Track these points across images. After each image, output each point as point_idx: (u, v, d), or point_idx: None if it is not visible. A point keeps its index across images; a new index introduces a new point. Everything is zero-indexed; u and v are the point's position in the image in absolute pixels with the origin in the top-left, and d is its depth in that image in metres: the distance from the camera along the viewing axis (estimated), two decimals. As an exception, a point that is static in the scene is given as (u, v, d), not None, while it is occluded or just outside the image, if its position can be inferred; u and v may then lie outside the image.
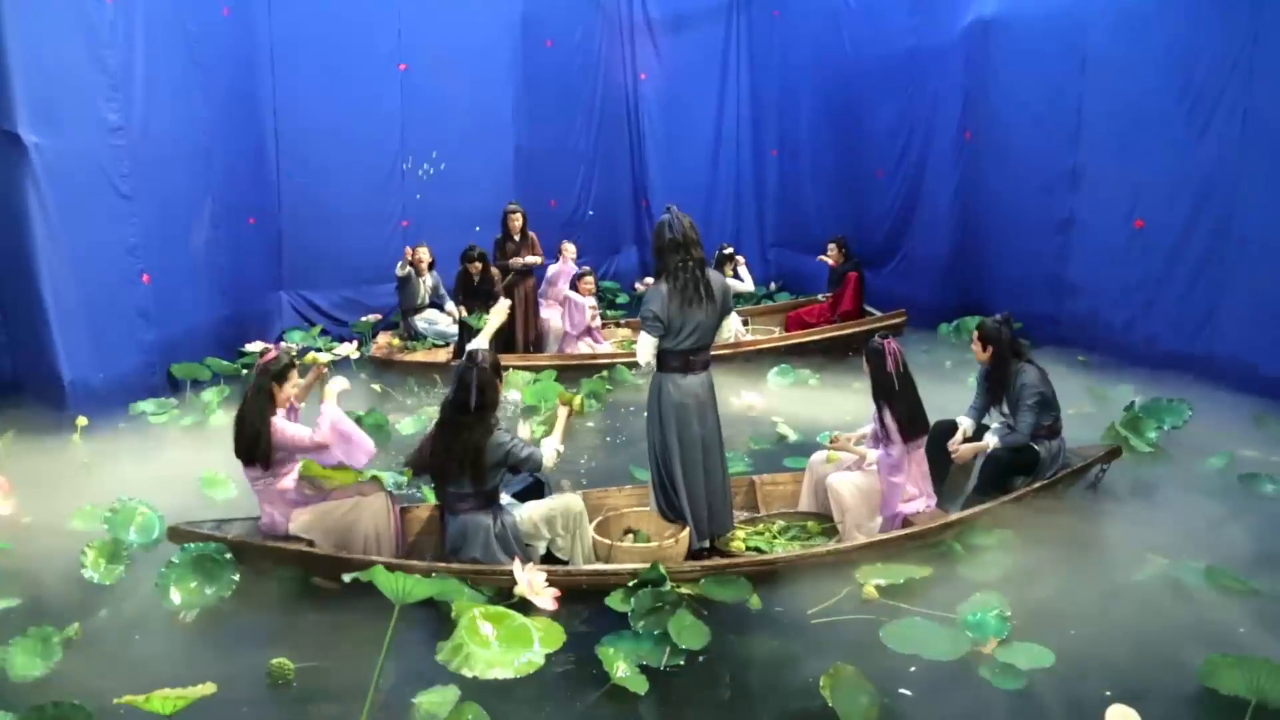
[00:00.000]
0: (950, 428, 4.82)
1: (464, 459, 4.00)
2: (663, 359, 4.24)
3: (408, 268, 8.92)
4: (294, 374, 4.26)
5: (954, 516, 4.38)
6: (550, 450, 4.17)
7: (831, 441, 4.77)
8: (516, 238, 8.60)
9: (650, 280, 5.02)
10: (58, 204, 6.00)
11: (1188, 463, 5.32)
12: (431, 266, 9.13)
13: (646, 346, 4.17)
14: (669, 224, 4.21)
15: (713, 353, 4.40)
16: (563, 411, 4.49)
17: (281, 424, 4.09)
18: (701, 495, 4.32)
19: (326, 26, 9.70)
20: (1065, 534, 4.42)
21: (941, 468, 4.77)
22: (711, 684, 3.37)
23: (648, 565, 3.94)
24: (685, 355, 4.22)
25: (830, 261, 9.38)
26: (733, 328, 4.46)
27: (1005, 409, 4.76)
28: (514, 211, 8.65)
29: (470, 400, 4.01)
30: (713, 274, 4.26)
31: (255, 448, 4.05)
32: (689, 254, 4.15)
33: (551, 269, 9.20)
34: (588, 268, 9.39)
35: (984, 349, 4.75)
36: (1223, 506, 4.70)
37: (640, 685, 3.24)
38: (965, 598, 3.74)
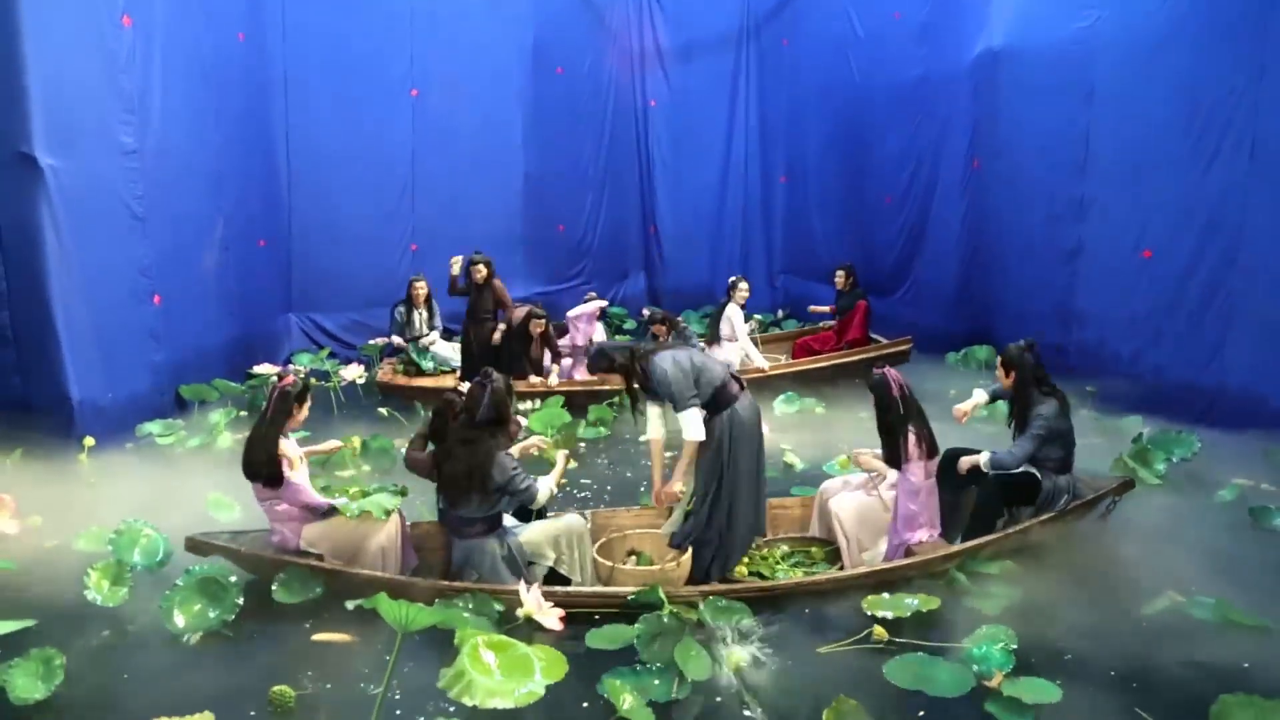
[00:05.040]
0: (955, 458, 4.79)
1: (472, 475, 4.07)
2: (723, 396, 4.32)
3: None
4: (308, 397, 4.42)
5: (958, 548, 4.35)
6: (546, 488, 4.28)
7: (854, 458, 4.76)
8: (479, 284, 8.26)
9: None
10: (71, 225, 6.05)
11: (1197, 495, 5.28)
12: (429, 299, 8.96)
13: (696, 421, 4.23)
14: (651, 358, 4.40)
15: None
16: (562, 456, 4.65)
17: (299, 479, 4.22)
18: (746, 517, 4.38)
19: (340, 52, 9.83)
20: (1072, 566, 4.39)
21: (947, 500, 4.72)
22: (715, 716, 3.33)
23: (647, 587, 3.94)
24: (733, 378, 4.38)
25: (838, 285, 9.42)
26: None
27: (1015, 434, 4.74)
28: (477, 263, 8.25)
29: (480, 413, 4.18)
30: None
31: (266, 466, 4.14)
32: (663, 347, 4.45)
33: (573, 311, 8.71)
34: (593, 292, 9.41)
35: (1006, 374, 4.73)
36: (1232, 540, 4.66)
37: (646, 718, 3.21)
38: (971, 630, 3.71)
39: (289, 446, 4.26)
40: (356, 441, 6.00)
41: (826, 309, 9.71)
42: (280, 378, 4.34)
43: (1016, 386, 4.68)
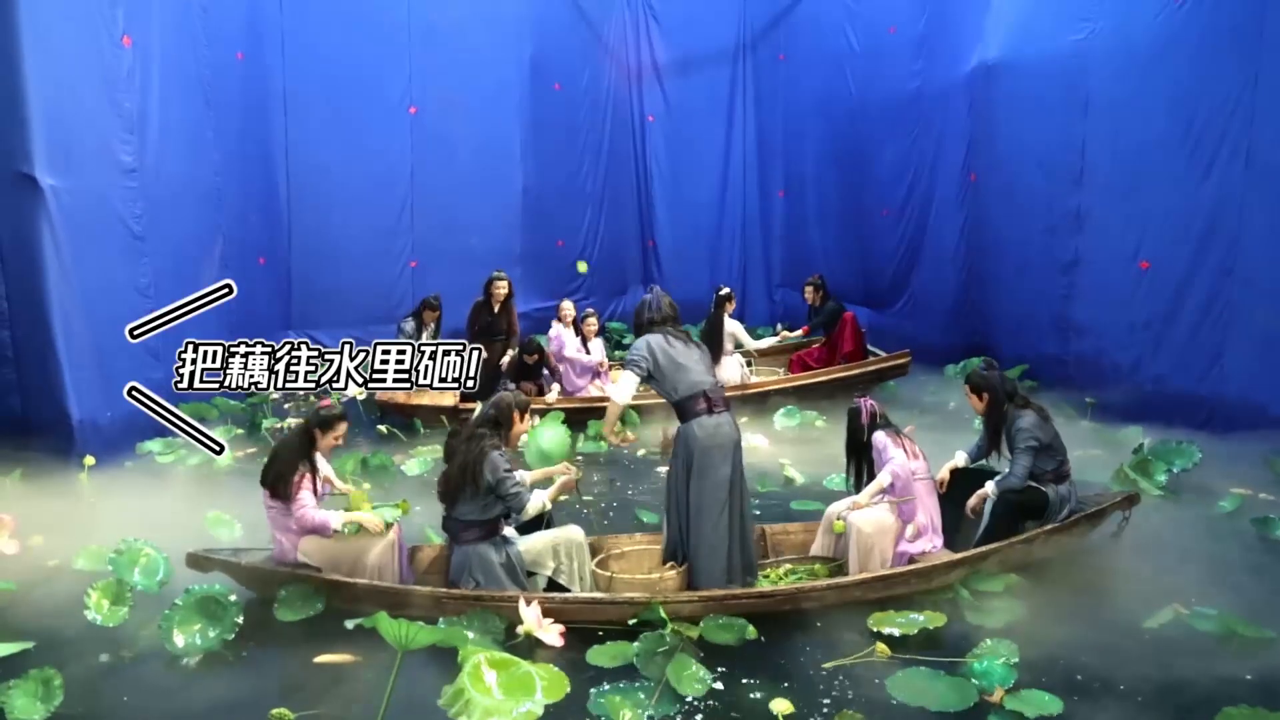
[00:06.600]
0: (964, 473, 4.78)
1: (465, 471, 4.14)
2: (685, 407, 4.27)
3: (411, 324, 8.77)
4: (341, 425, 4.47)
5: (961, 555, 4.33)
6: (537, 501, 4.23)
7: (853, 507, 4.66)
8: (496, 307, 8.37)
9: None
10: (71, 245, 6.07)
11: (1198, 506, 5.27)
12: (438, 321, 8.83)
13: (623, 382, 4.29)
14: (649, 303, 4.44)
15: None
16: (566, 479, 4.47)
17: (307, 500, 4.22)
18: (725, 540, 4.25)
19: (338, 70, 9.88)
20: (1075, 580, 4.38)
21: (953, 514, 4.71)
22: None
23: (646, 597, 3.96)
24: (704, 396, 4.26)
25: (809, 300, 9.32)
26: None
27: (1008, 453, 4.72)
28: (499, 279, 8.35)
29: (487, 411, 4.35)
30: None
31: (279, 480, 4.21)
32: (667, 329, 4.38)
33: (552, 336, 8.51)
34: (590, 309, 9.40)
35: (979, 398, 4.73)
36: (1234, 550, 4.65)
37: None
38: (974, 644, 3.70)
39: (325, 467, 4.46)
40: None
41: (798, 333, 9.57)
42: (320, 398, 4.38)
43: (991, 407, 4.68)
